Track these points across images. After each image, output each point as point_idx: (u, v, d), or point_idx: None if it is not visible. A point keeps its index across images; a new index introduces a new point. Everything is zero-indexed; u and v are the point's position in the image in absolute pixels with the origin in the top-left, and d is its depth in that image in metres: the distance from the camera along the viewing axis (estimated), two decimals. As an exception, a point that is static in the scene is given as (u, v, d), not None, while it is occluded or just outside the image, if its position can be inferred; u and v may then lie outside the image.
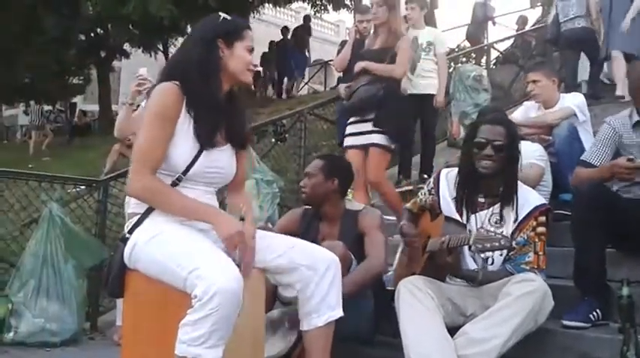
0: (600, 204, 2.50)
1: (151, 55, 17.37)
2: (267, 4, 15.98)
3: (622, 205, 2.60)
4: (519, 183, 2.53)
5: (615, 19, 5.74)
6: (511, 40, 10.38)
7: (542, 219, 2.46)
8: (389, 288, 2.71)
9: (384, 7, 4.08)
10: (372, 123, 3.95)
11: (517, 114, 3.94)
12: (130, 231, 2.02)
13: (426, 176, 5.12)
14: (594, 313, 2.48)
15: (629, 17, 5.63)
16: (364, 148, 4.00)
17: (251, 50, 2.12)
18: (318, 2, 15.37)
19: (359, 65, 4.07)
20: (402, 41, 4.11)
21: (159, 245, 1.93)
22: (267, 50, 14.80)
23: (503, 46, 9.82)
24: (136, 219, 2.03)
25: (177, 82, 2.03)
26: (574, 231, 2.58)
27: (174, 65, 2.12)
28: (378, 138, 3.90)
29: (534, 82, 3.75)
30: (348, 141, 4.12)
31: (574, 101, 3.69)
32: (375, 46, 4.17)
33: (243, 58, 2.10)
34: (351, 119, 4.13)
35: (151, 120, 2.01)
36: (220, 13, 2.13)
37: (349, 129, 4.13)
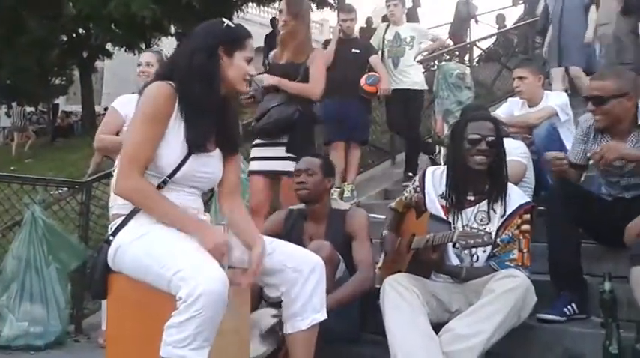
0: (569, 199, 2.56)
1: (134, 54, 17.24)
2: (250, 4, 15.93)
3: (596, 203, 2.67)
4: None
5: (567, 31, 5.74)
6: (494, 38, 10.46)
7: (527, 216, 2.49)
8: (375, 286, 2.72)
9: (290, 17, 3.50)
10: (285, 149, 3.44)
11: (500, 111, 3.97)
12: (114, 233, 2.01)
13: (411, 174, 5.15)
14: (569, 307, 2.52)
15: (591, 31, 5.62)
16: (272, 175, 3.51)
17: (249, 60, 2.10)
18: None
19: (268, 80, 3.51)
20: (315, 56, 3.56)
21: (143, 246, 1.93)
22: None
23: (485, 44, 9.90)
24: (120, 220, 2.02)
25: (171, 83, 2.01)
26: (547, 226, 2.63)
27: (173, 67, 2.08)
28: (291, 166, 3.14)
29: (520, 78, 3.77)
30: (253, 166, 3.57)
31: (557, 101, 3.72)
32: (282, 60, 3.60)
33: (242, 68, 2.09)
34: (258, 141, 3.58)
35: (142, 120, 1.99)
36: (224, 20, 2.12)
37: (254, 152, 3.59)
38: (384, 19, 6.30)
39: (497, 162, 2.50)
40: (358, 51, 5.13)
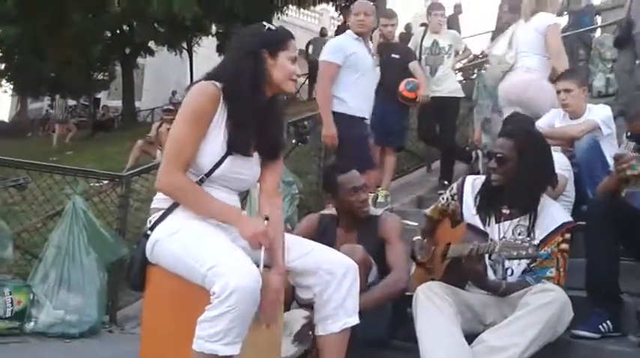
0: (610, 214, 2.49)
1: (175, 54, 17.53)
2: (290, 6, 16.03)
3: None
4: (545, 196, 2.52)
5: None
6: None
7: (568, 236, 2.46)
8: (407, 293, 2.71)
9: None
10: None
11: (541, 122, 3.90)
12: (153, 227, 2.04)
13: (446, 182, 5.11)
14: (604, 324, 2.46)
15: None
16: None
17: (294, 60, 2.13)
18: (341, 4, 15.35)
19: None
20: None
21: (180, 241, 1.96)
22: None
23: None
24: (159, 214, 2.06)
25: (216, 83, 2.04)
26: (587, 240, 2.57)
27: (224, 73, 2.10)
28: None
29: (567, 91, 3.68)
30: None
31: (600, 114, 3.63)
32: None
33: (287, 68, 2.11)
34: None
35: (187, 118, 2.02)
36: (264, 23, 2.15)
37: None
38: (423, 24, 6.28)
39: (520, 176, 2.44)
40: (398, 56, 5.13)
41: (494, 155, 2.48)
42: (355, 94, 4.21)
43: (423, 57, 5.34)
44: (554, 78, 3.97)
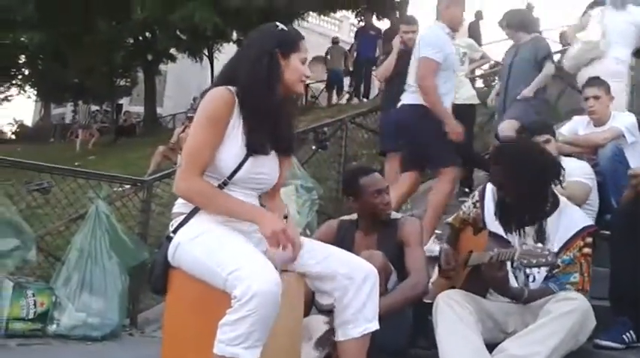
0: (634, 223, 2.45)
1: (196, 61, 17.67)
2: (311, 13, 16.08)
3: None
4: (565, 201, 2.50)
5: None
6: (558, 55, 10.19)
7: (589, 240, 2.42)
8: (427, 301, 2.69)
9: None
10: None
11: (565, 130, 3.86)
12: (175, 230, 2.06)
13: (467, 189, 5.08)
14: (628, 334, 2.43)
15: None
16: None
17: (304, 61, 2.14)
18: (361, 11, 15.34)
19: None
20: None
21: (201, 245, 1.97)
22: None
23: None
24: (181, 218, 2.07)
25: (230, 88, 2.06)
26: (611, 249, 2.55)
27: (236, 73, 2.11)
28: None
29: (596, 97, 3.61)
30: None
31: (624, 122, 3.59)
32: None
33: (298, 70, 2.12)
34: None
35: (202, 124, 2.05)
36: (277, 23, 2.16)
37: None
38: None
39: (522, 192, 2.41)
40: None
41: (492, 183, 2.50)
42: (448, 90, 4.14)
43: None
44: None
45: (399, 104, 4.24)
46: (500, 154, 2.57)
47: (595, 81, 3.76)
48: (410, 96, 4.13)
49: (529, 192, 2.41)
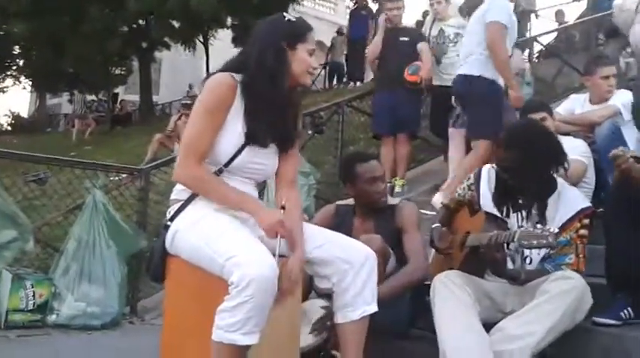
0: (628, 200, 2.44)
1: (189, 50, 17.58)
2: (306, -3, 15.95)
3: None
4: (562, 182, 2.50)
5: None
6: (554, 34, 10.15)
7: (586, 221, 2.43)
8: (425, 283, 2.70)
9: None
10: None
11: (561, 109, 3.85)
12: (172, 218, 2.06)
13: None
14: (625, 311, 2.43)
15: None
16: None
17: (312, 52, 2.12)
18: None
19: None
20: None
21: (198, 232, 1.98)
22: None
23: (546, 40, 9.60)
24: (178, 205, 2.07)
25: (233, 74, 2.04)
26: (605, 228, 2.54)
27: (244, 63, 2.09)
28: None
29: (615, 76, 3.61)
30: None
31: (621, 99, 3.57)
32: None
33: (305, 61, 2.10)
34: None
35: (203, 110, 2.03)
36: (284, 14, 2.14)
37: None
38: (426, 12, 6.18)
39: (528, 174, 2.42)
40: (407, 39, 5.04)
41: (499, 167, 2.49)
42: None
43: (431, 46, 5.26)
44: None
45: (460, 74, 4.21)
46: (513, 139, 2.53)
47: (607, 60, 3.76)
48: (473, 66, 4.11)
49: (538, 175, 2.41)
